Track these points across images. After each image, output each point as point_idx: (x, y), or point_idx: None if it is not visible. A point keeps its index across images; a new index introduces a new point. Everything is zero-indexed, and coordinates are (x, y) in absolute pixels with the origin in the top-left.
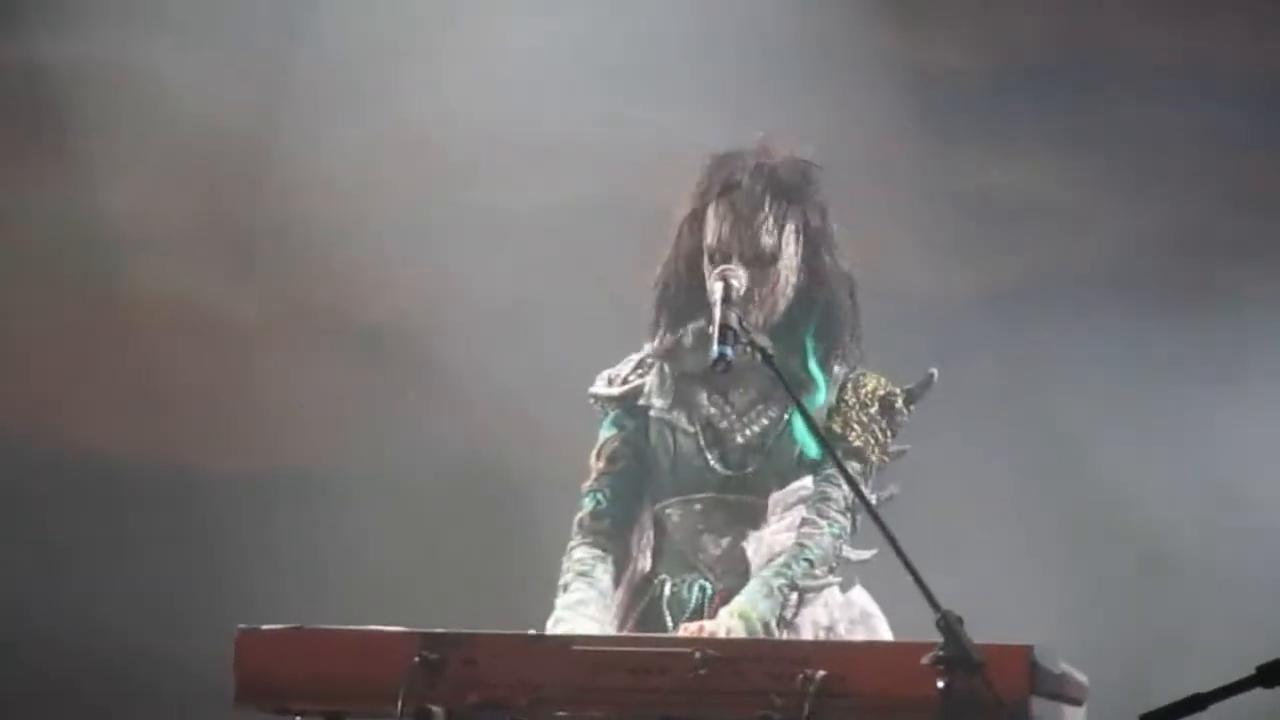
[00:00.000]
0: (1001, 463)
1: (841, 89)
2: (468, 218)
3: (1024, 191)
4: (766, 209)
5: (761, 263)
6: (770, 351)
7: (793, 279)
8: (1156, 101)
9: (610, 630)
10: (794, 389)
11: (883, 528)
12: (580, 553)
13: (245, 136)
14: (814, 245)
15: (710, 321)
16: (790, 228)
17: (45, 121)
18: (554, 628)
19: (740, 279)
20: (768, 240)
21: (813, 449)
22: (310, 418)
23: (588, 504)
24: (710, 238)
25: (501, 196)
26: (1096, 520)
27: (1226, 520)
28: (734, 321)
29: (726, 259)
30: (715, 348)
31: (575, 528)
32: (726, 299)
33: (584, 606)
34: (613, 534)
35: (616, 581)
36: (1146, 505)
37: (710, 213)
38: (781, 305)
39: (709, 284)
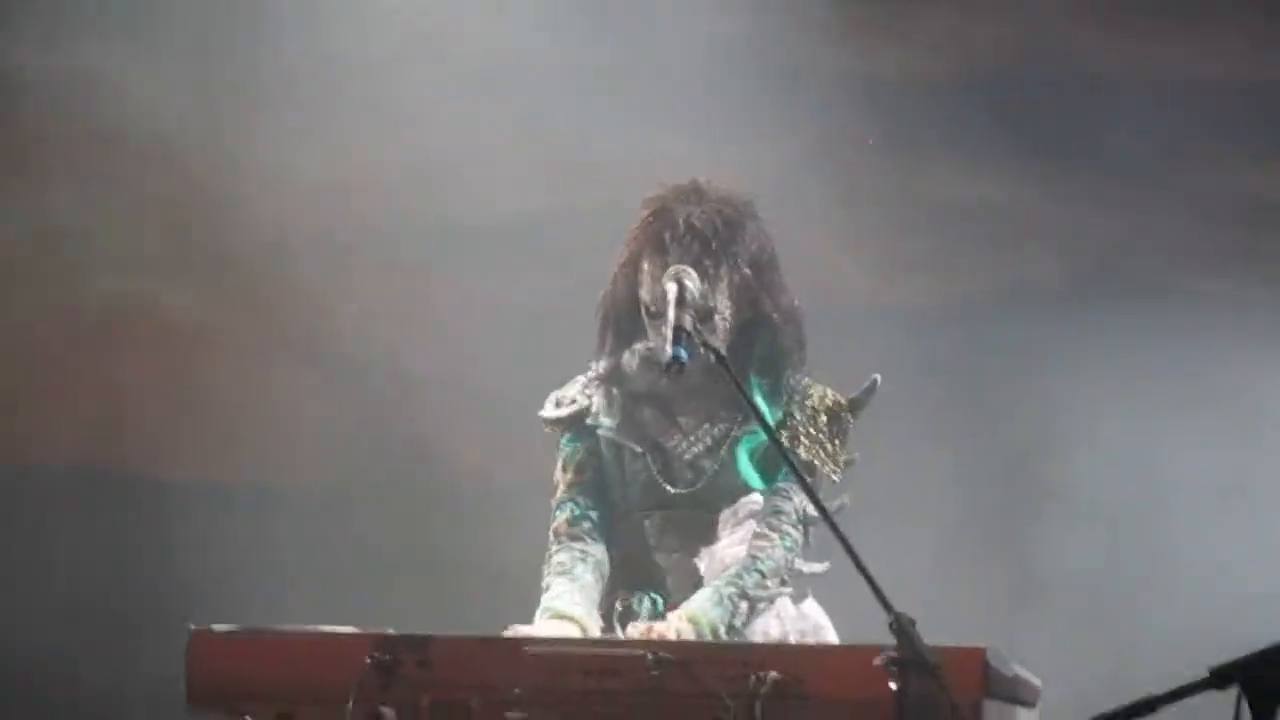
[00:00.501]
0: (960, 470)
1: (805, 104)
2: (427, 227)
3: (984, 202)
4: (699, 262)
5: (700, 318)
6: (723, 353)
7: (728, 324)
8: (1114, 112)
9: (596, 618)
10: (745, 403)
11: (837, 532)
12: (560, 556)
13: (206, 146)
14: (748, 291)
15: (657, 340)
16: (722, 284)
17: (3, 129)
18: (540, 618)
19: (694, 279)
20: (703, 297)
21: (755, 481)
22: (265, 426)
23: (562, 514)
24: (645, 295)
25: (463, 206)
26: (1051, 526)
27: (1169, 530)
28: (688, 324)
29: (659, 317)
30: (669, 349)
31: (552, 537)
32: (680, 301)
33: (568, 599)
34: (591, 537)
35: (600, 578)
36: (1099, 511)
37: (645, 268)
38: (724, 349)
39: (664, 288)
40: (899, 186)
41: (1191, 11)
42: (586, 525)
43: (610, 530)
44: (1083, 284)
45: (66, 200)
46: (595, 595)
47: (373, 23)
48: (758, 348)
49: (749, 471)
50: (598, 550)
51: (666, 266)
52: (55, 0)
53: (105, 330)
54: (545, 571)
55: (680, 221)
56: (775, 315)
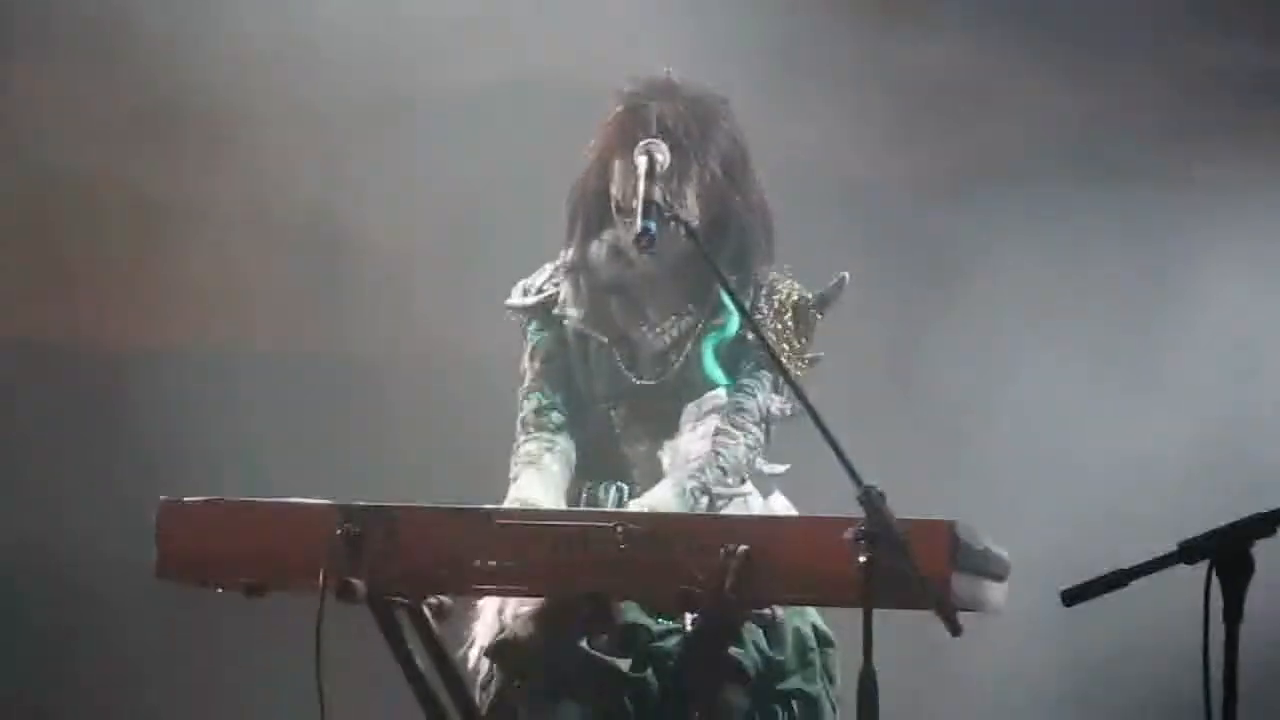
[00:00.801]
0: (924, 347)
1: None
2: (393, 103)
3: (962, 74)
4: (641, 170)
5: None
6: (694, 226)
7: (696, 223)
8: None
9: (564, 508)
10: (709, 255)
11: (807, 404)
12: (528, 446)
13: (170, 23)
14: (719, 191)
15: (627, 235)
16: (691, 182)
17: None
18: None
19: (664, 153)
20: (669, 187)
21: (719, 377)
22: (227, 295)
23: (529, 403)
24: (615, 191)
25: (431, 79)
26: (1016, 389)
27: (1150, 413)
28: (658, 196)
29: (629, 213)
30: (640, 222)
31: (519, 426)
32: (650, 174)
33: (535, 488)
34: (559, 426)
35: (567, 467)
36: (1067, 394)
37: (615, 164)
38: (690, 218)
39: (635, 161)
40: (871, 55)
41: None
42: (554, 415)
43: (577, 418)
44: (1049, 160)
45: (33, 75)
46: (563, 485)
47: None
48: (726, 243)
49: (713, 367)
50: (564, 441)
51: (637, 166)
52: None
53: (67, 201)
54: (513, 461)
55: (653, 119)
56: (744, 211)
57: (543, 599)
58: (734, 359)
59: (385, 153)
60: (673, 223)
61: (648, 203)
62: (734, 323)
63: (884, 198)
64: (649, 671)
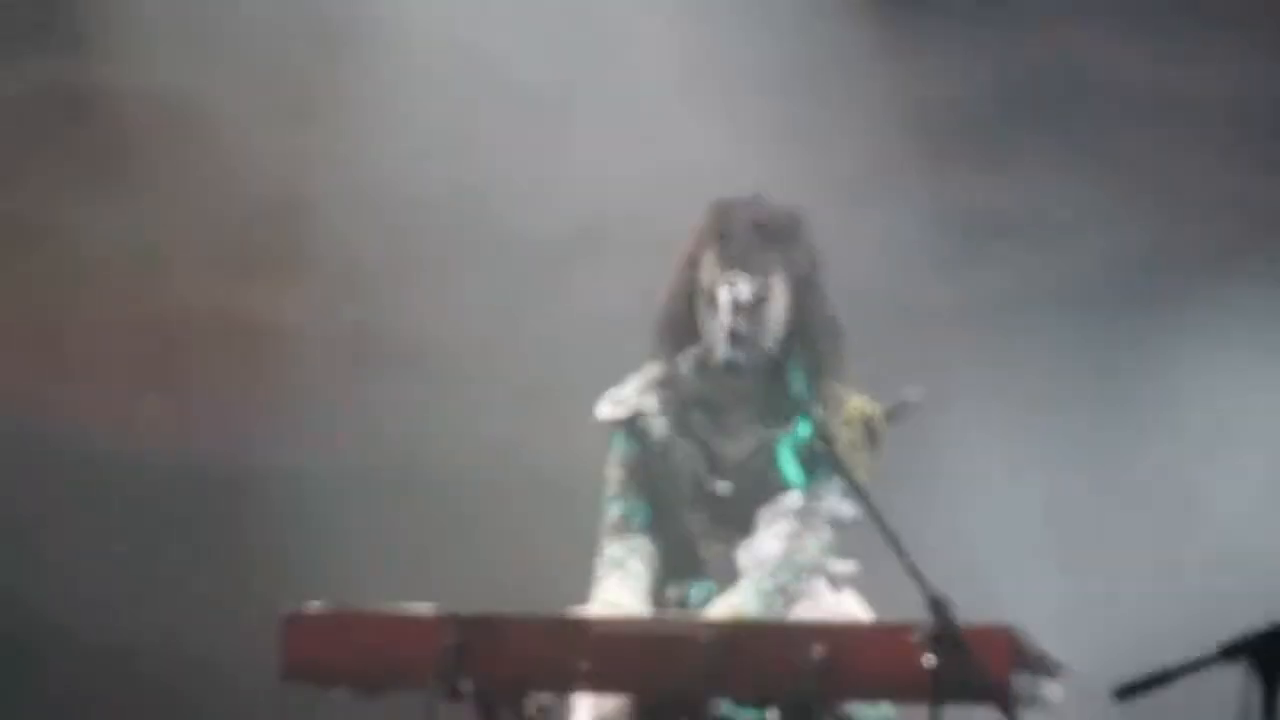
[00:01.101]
0: (981, 454)
1: (841, 118)
2: (482, 240)
3: (1010, 211)
4: (758, 254)
5: (754, 307)
6: (777, 356)
7: (781, 318)
8: (1136, 126)
9: (648, 608)
10: (786, 407)
11: (873, 511)
12: (612, 549)
13: (282, 161)
14: (801, 290)
15: (705, 347)
16: (779, 274)
17: (105, 143)
18: (595, 607)
19: (746, 289)
20: (756, 286)
21: (794, 475)
22: (338, 418)
23: (615, 510)
24: (705, 280)
25: (521, 219)
26: (1073, 503)
27: (1185, 518)
28: (743, 328)
29: (714, 300)
30: (725, 350)
31: (604, 531)
32: (735, 309)
33: (621, 591)
34: (641, 531)
35: (649, 570)
36: (1107, 502)
37: (705, 258)
38: (770, 343)
39: (718, 295)
40: (937, 194)
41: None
42: (637, 521)
43: (658, 524)
44: (1102, 286)
45: (154, 207)
46: (646, 586)
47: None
48: (802, 352)
49: (788, 465)
50: (647, 545)
51: (727, 256)
52: (144, 27)
53: (190, 327)
54: (597, 564)
55: (743, 216)
56: (819, 323)
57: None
58: (806, 460)
59: (475, 289)
60: (754, 351)
61: (733, 334)
62: (805, 426)
63: (933, 319)
64: None
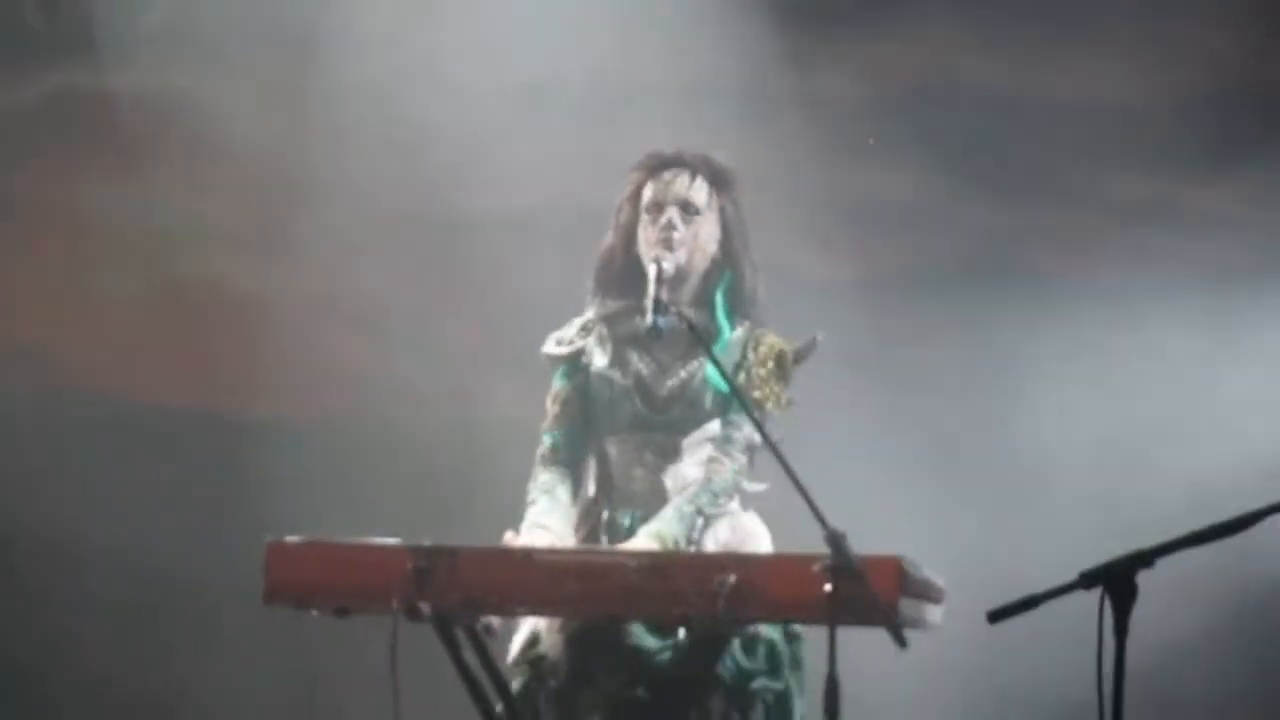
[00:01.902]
0: (872, 411)
1: (746, 118)
2: (455, 220)
3: (895, 196)
4: (698, 180)
5: (689, 210)
6: (694, 321)
7: (712, 241)
8: (1004, 123)
9: (570, 535)
10: (706, 342)
11: (779, 457)
12: (544, 476)
13: (277, 152)
14: (729, 225)
15: (640, 295)
16: (714, 201)
17: (120, 139)
18: (526, 532)
19: (670, 262)
20: (697, 197)
21: (722, 385)
22: (320, 375)
23: (547, 440)
24: (647, 196)
25: (480, 203)
26: (946, 450)
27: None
28: (665, 296)
29: (660, 208)
30: (650, 317)
31: (538, 460)
32: (659, 279)
33: (549, 514)
34: (569, 463)
35: (573, 497)
36: (991, 451)
37: (648, 184)
38: (699, 260)
39: (644, 264)
40: (830, 185)
41: (1074, 45)
42: (564, 454)
43: (586, 457)
44: (968, 268)
45: (165, 194)
46: (571, 512)
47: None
48: (726, 278)
49: (716, 380)
50: (572, 475)
51: (672, 176)
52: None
53: (201, 298)
54: (530, 487)
55: (681, 153)
56: (746, 260)
57: (566, 621)
58: (726, 400)
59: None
60: (678, 319)
61: (657, 301)
62: (724, 339)
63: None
64: (641, 691)
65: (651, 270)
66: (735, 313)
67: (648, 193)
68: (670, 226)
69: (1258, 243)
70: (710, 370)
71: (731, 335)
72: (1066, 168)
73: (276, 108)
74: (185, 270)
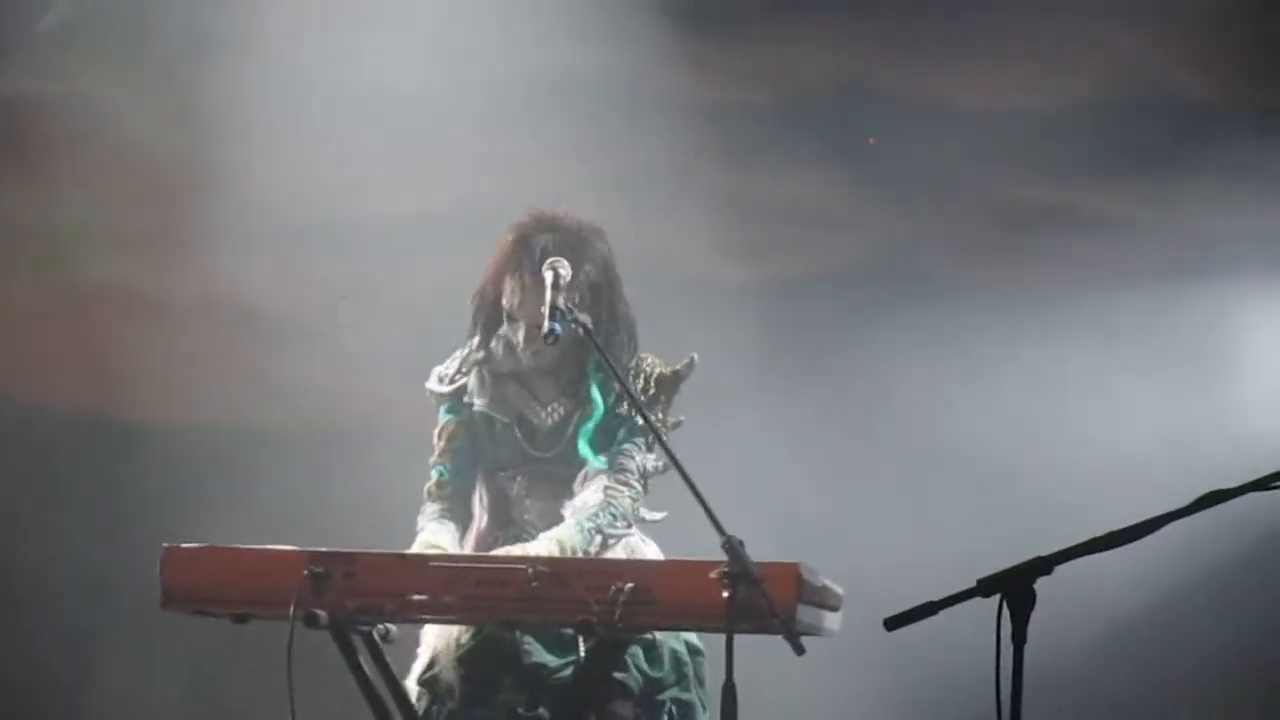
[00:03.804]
0: (769, 415)
1: (649, 122)
2: (344, 226)
3: (797, 201)
4: (560, 257)
5: (558, 279)
6: (590, 327)
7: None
8: (907, 131)
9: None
10: (599, 342)
11: (674, 460)
12: (431, 508)
13: (171, 154)
14: (595, 292)
15: (516, 337)
16: (578, 275)
17: (16, 144)
18: (418, 550)
19: (565, 268)
20: (563, 270)
21: (593, 460)
22: (215, 379)
23: (434, 474)
24: (506, 303)
25: (372, 209)
26: (844, 456)
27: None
28: (562, 303)
29: (516, 321)
30: (547, 324)
31: (426, 494)
32: (555, 285)
33: (438, 535)
34: (454, 497)
35: (463, 529)
36: (880, 442)
37: (507, 282)
38: (589, 324)
39: (542, 275)
40: (731, 189)
41: (976, 50)
42: (450, 489)
43: (474, 489)
44: (873, 271)
45: (60, 196)
46: (458, 539)
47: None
48: (599, 355)
49: (588, 452)
50: (461, 509)
51: (523, 283)
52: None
53: (95, 300)
54: (420, 518)
55: (537, 249)
56: (609, 323)
57: (466, 641)
58: (610, 431)
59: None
60: (573, 324)
61: (553, 308)
62: (598, 413)
63: (730, 297)
64: (542, 710)
65: (548, 276)
66: (609, 383)
67: (506, 297)
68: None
69: (1158, 246)
70: (594, 395)
71: (609, 402)
72: (968, 172)
73: (174, 110)
74: (79, 272)
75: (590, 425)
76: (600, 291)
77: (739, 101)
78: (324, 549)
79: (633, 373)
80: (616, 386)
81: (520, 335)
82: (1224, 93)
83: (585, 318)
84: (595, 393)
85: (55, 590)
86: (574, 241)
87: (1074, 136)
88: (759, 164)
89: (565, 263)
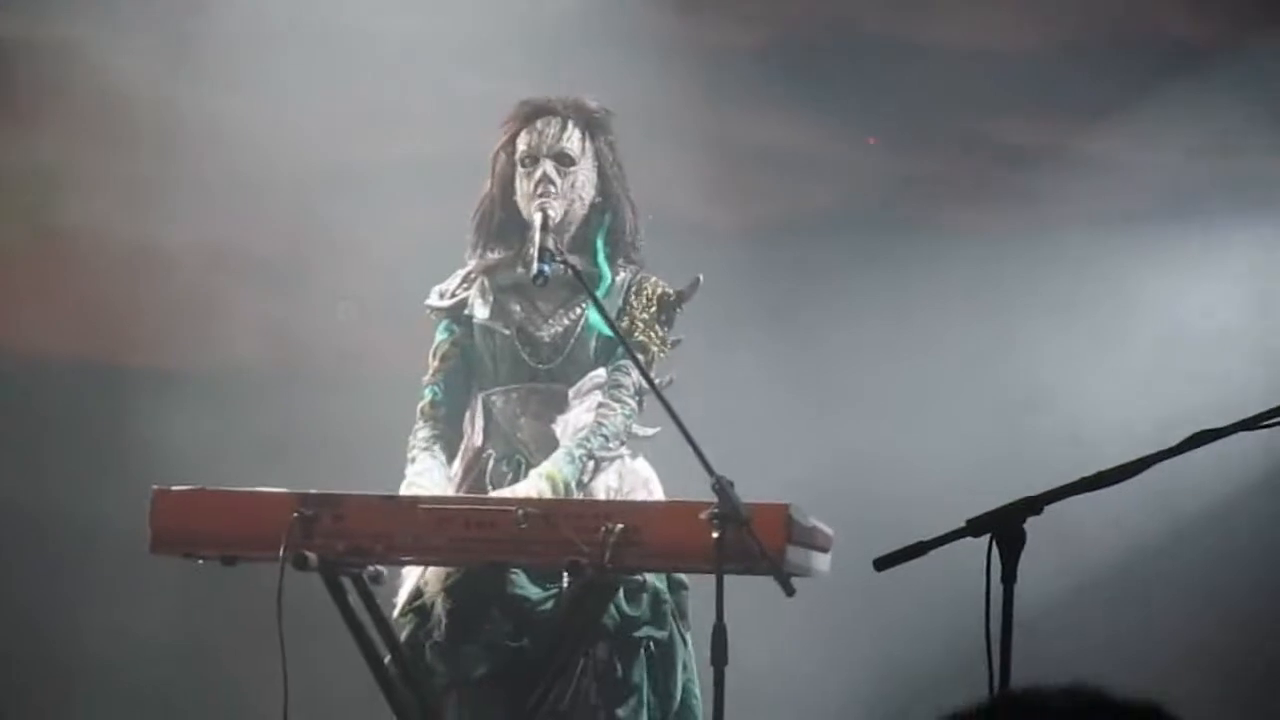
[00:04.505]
0: (757, 357)
1: (637, 64)
2: (334, 171)
3: (783, 143)
4: (570, 128)
5: (564, 162)
6: (579, 267)
7: (589, 187)
8: (888, 72)
9: (449, 493)
10: (590, 287)
11: (666, 406)
12: (424, 432)
13: (157, 98)
14: (605, 169)
15: (523, 243)
16: (589, 147)
17: (4, 88)
18: (405, 490)
19: (556, 210)
20: (571, 147)
21: (606, 330)
22: (203, 324)
23: (427, 395)
24: (522, 148)
25: (361, 154)
26: (831, 397)
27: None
28: (551, 244)
29: (535, 161)
30: (535, 265)
31: (419, 414)
32: (544, 226)
33: (428, 473)
34: (448, 418)
35: (451, 455)
36: (873, 397)
37: (522, 135)
38: (578, 208)
39: (530, 213)
40: (719, 131)
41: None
42: (444, 410)
43: (467, 410)
44: (858, 213)
45: (49, 141)
46: (448, 468)
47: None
48: (605, 220)
49: (600, 325)
50: (452, 431)
51: (545, 125)
52: None
53: (83, 245)
54: (411, 441)
55: (552, 101)
56: (625, 202)
57: (455, 572)
58: (610, 346)
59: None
60: (563, 266)
61: (543, 249)
62: (605, 283)
63: (714, 239)
64: (525, 641)
65: (537, 218)
66: (616, 255)
67: (521, 144)
68: (547, 180)
69: (1150, 186)
70: (593, 316)
71: (614, 280)
72: (955, 114)
73: (163, 55)
74: (67, 218)
75: (599, 332)
76: (618, 167)
77: (726, 43)
78: (312, 491)
79: (634, 289)
80: (620, 266)
81: (530, 272)
82: (1214, 34)
83: (574, 259)
84: (603, 263)
85: (43, 535)
86: (595, 107)
87: (1064, 77)
88: (745, 106)
89: (554, 203)
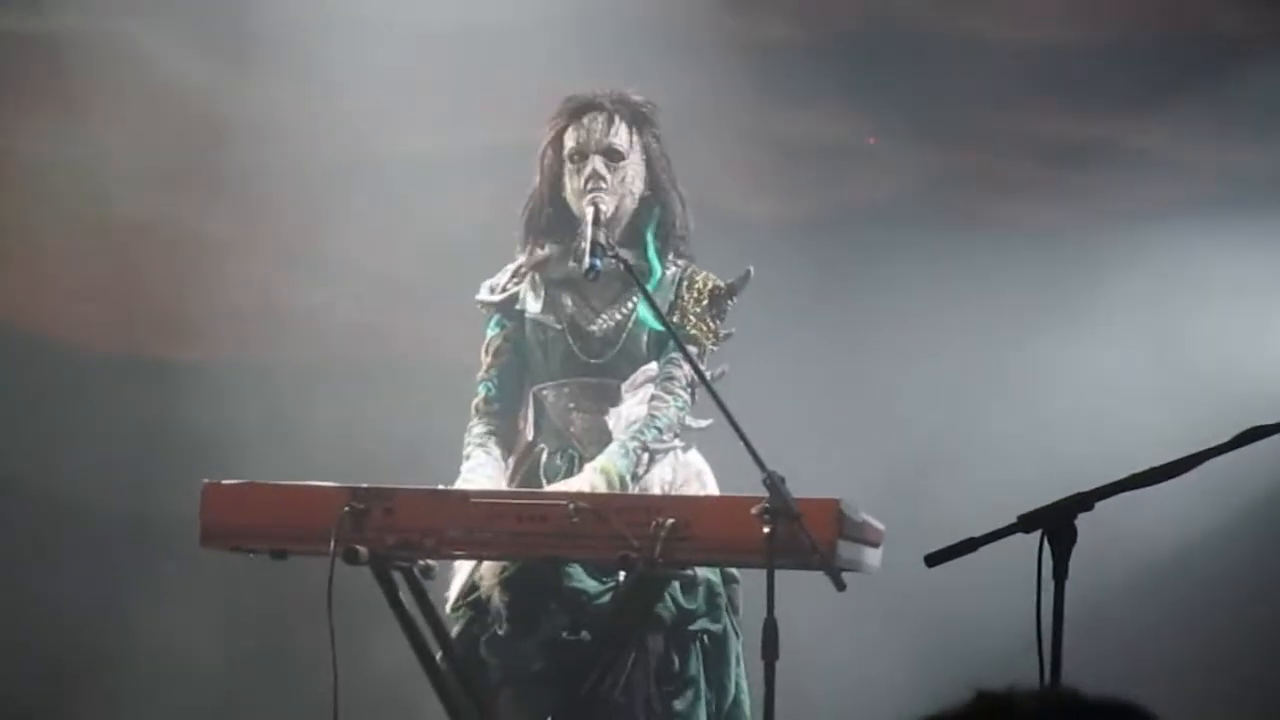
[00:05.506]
0: (805, 353)
1: (685, 60)
2: (381, 162)
3: (828, 139)
4: (617, 122)
5: (612, 157)
6: (630, 262)
7: (639, 181)
8: (936, 64)
9: (503, 488)
10: (641, 281)
11: (718, 401)
12: (478, 428)
13: (207, 90)
14: (653, 163)
15: (573, 238)
16: (637, 141)
17: (56, 81)
18: (459, 486)
19: (607, 204)
20: (619, 142)
21: (656, 324)
22: (253, 317)
23: (481, 391)
24: (570, 144)
25: (409, 144)
26: (877, 391)
27: (994, 414)
28: (603, 238)
29: (584, 156)
30: (588, 259)
31: (473, 410)
32: (596, 220)
33: (482, 469)
34: (501, 414)
35: (507, 450)
36: (919, 393)
37: (569, 131)
38: (628, 202)
39: (579, 208)
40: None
41: None
42: (497, 405)
43: (521, 404)
44: (904, 208)
45: (99, 135)
46: (503, 464)
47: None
48: (655, 214)
49: (650, 320)
50: (507, 426)
51: (592, 121)
52: None
53: (132, 238)
54: (466, 437)
55: (598, 96)
56: (674, 195)
57: (511, 565)
58: (662, 340)
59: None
60: (614, 260)
61: (594, 244)
62: (655, 277)
63: (763, 234)
64: (584, 634)
65: (589, 212)
66: (666, 249)
67: (569, 140)
68: (597, 175)
69: (1198, 181)
70: (644, 310)
71: (665, 274)
72: (999, 109)
73: (211, 49)
74: (117, 212)
75: (650, 326)
76: (662, 163)
77: (773, 39)
78: (364, 485)
79: (685, 283)
80: (670, 261)
81: (582, 268)
82: (1263, 31)
83: (626, 254)
84: (653, 257)
85: (93, 529)
86: (637, 103)
87: (1107, 70)
88: (793, 101)
89: (605, 197)
